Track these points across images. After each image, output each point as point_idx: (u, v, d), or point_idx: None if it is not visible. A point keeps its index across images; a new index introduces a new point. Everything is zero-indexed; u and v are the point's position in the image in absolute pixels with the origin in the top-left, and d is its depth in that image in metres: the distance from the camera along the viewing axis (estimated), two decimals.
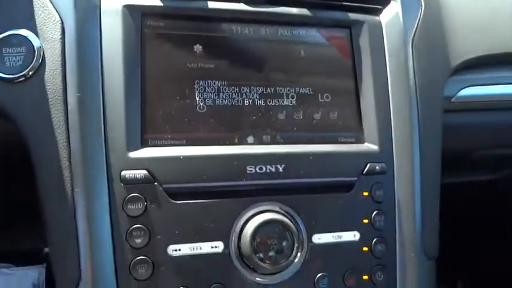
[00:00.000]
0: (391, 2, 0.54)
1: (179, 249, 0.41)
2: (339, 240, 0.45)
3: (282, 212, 0.43)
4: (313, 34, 0.51)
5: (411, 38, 0.53)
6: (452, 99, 0.57)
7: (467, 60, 0.57)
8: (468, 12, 0.62)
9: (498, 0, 0.68)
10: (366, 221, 0.46)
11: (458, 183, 0.74)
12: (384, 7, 0.54)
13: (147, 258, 0.40)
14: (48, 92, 0.42)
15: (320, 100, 0.49)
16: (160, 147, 0.43)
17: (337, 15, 0.52)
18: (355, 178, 0.46)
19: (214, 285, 0.41)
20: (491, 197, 0.83)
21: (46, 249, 1.14)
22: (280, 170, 0.44)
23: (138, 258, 0.40)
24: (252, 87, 0.47)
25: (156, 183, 0.41)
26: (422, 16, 0.54)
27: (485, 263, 1.24)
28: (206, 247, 0.42)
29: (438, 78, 0.54)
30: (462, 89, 0.57)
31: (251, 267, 0.42)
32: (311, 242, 0.44)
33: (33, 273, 1.12)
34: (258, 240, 0.41)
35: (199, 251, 0.41)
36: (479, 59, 0.58)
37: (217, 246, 0.42)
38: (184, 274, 0.41)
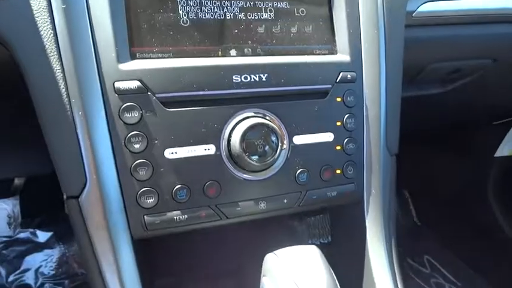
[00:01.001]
0: None
1: (175, 152, 0.45)
2: (316, 140, 0.51)
3: (267, 116, 0.48)
4: None
5: None
6: (414, 14, 0.62)
7: None
8: None
9: None
10: (339, 123, 0.52)
11: (414, 97, 0.81)
12: None
13: (147, 161, 0.44)
14: (34, 7, 0.42)
15: (296, 14, 0.52)
16: (149, 59, 0.45)
17: None
18: (330, 86, 0.51)
19: (208, 182, 0.46)
20: (440, 109, 0.93)
21: (17, 181, 1.15)
22: (264, 78, 0.48)
23: (138, 161, 0.44)
24: (233, 1, 0.49)
25: (149, 93, 0.44)
26: None
27: (430, 169, 1.39)
28: (200, 150, 0.46)
29: None
30: (422, 4, 0.62)
31: (241, 166, 0.47)
32: (292, 142, 0.49)
33: (7, 206, 1.13)
34: (246, 141, 0.46)
35: (193, 154, 0.46)
36: None
37: (210, 149, 0.46)
38: (182, 174, 0.45)
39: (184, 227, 0.47)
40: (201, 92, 0.46)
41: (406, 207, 1.49)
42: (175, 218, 0.46)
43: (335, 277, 0.42)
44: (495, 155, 1.18)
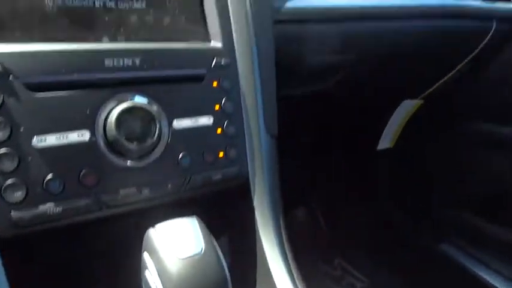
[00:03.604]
0: None
1: (44, 140, 0.43)
2: (196, 124, 0.52)
3: (144, 100, 0.48)
4: None
5: None
6: (281, 10, 0.68)
7: None
8: None
9: None
10: (217, 107, 0.54)
11: (297, 95, 0.88)
12: None
13: (11, 151, 0.41)
14: None
15: (168, 4, 0.54)
16: (11, 43, 0.43)
17: None
18: (205, 70, 0.53)
19: (84, 170, 0.45)
20: (325, 106, 1.01)
21: None
22: (137, 63, 0.48)
23: (1, 151, 0.41)
24: None
25: (11, 77, 0.41)
26: None
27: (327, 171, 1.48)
28: (72, 136, 0.44)
29: None
30: (288, 0, 0.68)
31: (119, 152, 0.46)
32: (172, 126, 0.50)
33: None
34: (123, 125, 0.46)
35: (65, 141, 0.44)
36: None
37: (83, 135, 0.45)
38: (53, 163, 0.43)
39: (61, 221, 0.44)
40: (70, 76, 0.44)
41: (313, 213, 1.55)
42: (48, 211, 0.43)
43: (218, 247, 0.43)
44: (378, 148, 1.31)
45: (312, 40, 0.75)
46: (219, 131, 0.54)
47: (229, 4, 0.58)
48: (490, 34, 1.03)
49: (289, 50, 0.74)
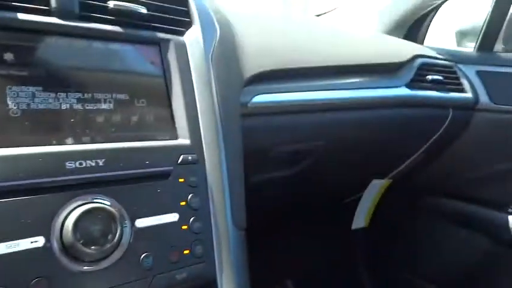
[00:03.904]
0: (192, 26, 0.65)
1: None
2: (161, 222, 0.51)
3: (105, 201, 0.47)
4: (128, 48, 0.58)
5: (210, 55, 0.65)
6: (248, 105, 0.71)
7: (258, 74, 0.72)
8: (259, 36, 0.78)
9: (283, 27, 0.88)
10: (183, 203, 0.53)
11: (265, 180, 0.89)
12: (187, 29, 0.64)
13: None
14: None
15: (137, 105, 0.56)
16: None
17: (148, 33, 0.60)
18: (172, 167, 0.53)
19: (35, 280, 0.42)
20: (291, 190, 1.02)
21: None
22: (101, 163, 0.48)
23: None
24: (69, 93, 0.51)
25: None
26: (218, 39, 0.67)
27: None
28: (25, 243, 0.42)
29: (234, 88, 0.67)
30: (255, 96, 0.72)
31: (76, 256, 0.44)
32: (134, 226, 0.49)
33: None
34: (81, 229, 0.44)
35: (16, 249, 0.42)
36: (269, 73, 0.74)
37: (38, 241, 0.43)
38: (1, 273, 0.40)
39: None
40: (27, 181, 0.43)
41: None
42: None
43: None
44: (352, 228, 1.31)
45: (280, 131, 0.78)
46: (184, 227, 0.53)
47: (197, 101, 0.60)
48: (448, 120, 1.10)
49: (259, 141, 0.76)
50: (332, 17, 1.33)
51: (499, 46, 1.22)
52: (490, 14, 1.19)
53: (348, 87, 0.88)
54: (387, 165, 1.18)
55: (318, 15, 1.34)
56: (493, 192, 1.19)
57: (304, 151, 0.89)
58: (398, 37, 1.26)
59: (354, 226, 1.31)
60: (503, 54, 1.20)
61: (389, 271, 1.35)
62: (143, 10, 0.59)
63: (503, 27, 1.20)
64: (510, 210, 1.13)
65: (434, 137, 1.12)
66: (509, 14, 1.20)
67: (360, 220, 1.31)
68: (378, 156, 1.10)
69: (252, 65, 0.72)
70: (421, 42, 1.30)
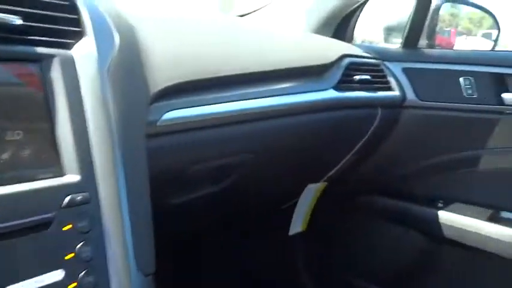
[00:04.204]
0: (84, 36, 0.55)
1: None
2: (42, 285, 0.42)
3: None
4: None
5: (106, 69, 0.55)
6: (158, 124, 0.62)
7: (168, 87, 0.64)
8: (167, 44, 0.70)
9: (197, 30, 0.80)
10: (70, 255, 0.44)
11: (191, 200, 0.81)
12: (77, 41, 0.54)
13: None
14: None
15: (8, 139, 0.46)
16: None
17: (26, 49, 0.50)
18: (53, 214, 0.44)
19: None
20: (222, 205, 0.95)
21: None
22: None
23: None
24: None
25: None
26: (117, 49, 0.58)
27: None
28: None
29: (138, 105, 0.58)
30: (166, 112, 0.63)
31: None
32: None
33: None
34: None
35: None
36: (181, 85, 0.66)
37: None
38: None
39: None
40: None
41: None
42: None
43: None
44: (289, 233, 1.28)
45: (197, 147, 0.71)
46: (73, 285, 0.44)
47: (88, 126, 0.51)
48: (377, 119, 1.08)
49: (173, 161, 0.68)
50: (257, 17, 1.27)
51: (423, 42, 1.23)
52: (413, 10, 1.19)
53: (273, 94, 0.82)
54: (321, 168, 1.15)
55: (241, 16, 1.27)
56: (423, 187, 1.21)
57: (229, 165, 0.82)
58: (327, 36, 1.22)
59: (292, 232, 1.28)
60: (427, 50, 1.21)
61: (331, 273, 1.34)
62: (18, 21, 0.48)
63: (426, 23, 1.21)
64: (440, 205, 1.15)
65: (365, 137, 1.11)
66: (431, 10, 1.21)
67: (297, 225, 1.28)
68: (310, 161, 1.06)
69: (160, 78, 0.63)
70: (350, 40, 1.28)
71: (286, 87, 0.85)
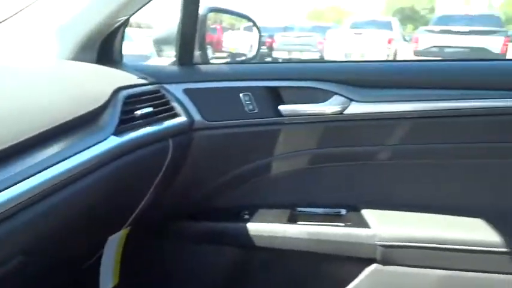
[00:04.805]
0: None
1: None
2: None
3: None
4: None
5: None
6: None
7: None
8: None
9: None
10: None
11: None
12: None
13: None
14: None
15: None
16: None
17: None
18: None
19: None
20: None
21: None
22: None
23: None
24: None
25: None
26: None
27: None
28: None
29: None
30: None
31: None
32: None
33: None
34: None
35: None
36: None
37: None
38: None
39: None
40: None
41: None
42: None
43: None
44: None
45: None
46: None
47: None
48: (170, 151, 1.00)
49: None
50: None
51: (198, 57, 1.20)
52: (180, 25, 1.13)
53: (33, 172, 0.62)
54: (120, 218, 1.00)
55: None
56: (227, 202, 1.21)
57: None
58: (90, 61, 1.03)
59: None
60: (204, 67, 1.18)
61: None
62: None
63: (197, 37, 1.17)
64: (246, 216, 1.18)
65: (162, 171, 1.02)
66: (199, 23, 1.17)
67: (107, 280, 1.11)
68: (105, 217, 0.90)
69: None
70: (119, 62, 1.13)
71: (52, 156, 0.66)
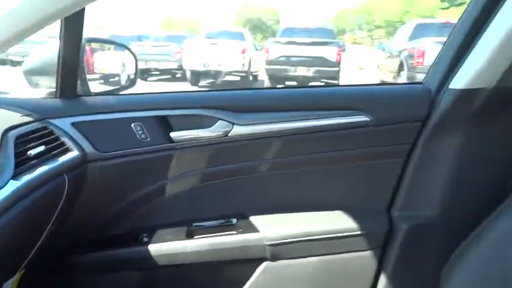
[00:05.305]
0: None
1: None
2: None
3: None
4: None
5: None
6: None
7: None
8: None
9: None
10: None
11: None
12: None
13: None
14: None
15: None
16: None
17: None
18: None
19: None
20: None
21: None
22: None
23: None
24: None
25: None
26: None
27: None
28: None
29: None
30: None
31: None
32: None
33: None
34: None
35: None
36: None
37: None
38: None
39: None
40: None
41: None
42: None
43: None
44: None
45: None
46: None
47: None
48: (66, 186, 1.00)
49: None
50: None
51: (80, 88, 1.19)
52: (61, 56, 1.12)
53: None
54: (13, 264, 0.96)
55: None
56: (125, 227, 1.24)
57: None
58: None
59: None
60: (90, 99, 1.19)
61: None
62: None
63: (79, 67, 1.17)
64: (145, 239, 1.22)
65: (59, 206, 1.01)
66: (80, 53, 1.17)
67: None
68: None
69: None
70: None
71: None
